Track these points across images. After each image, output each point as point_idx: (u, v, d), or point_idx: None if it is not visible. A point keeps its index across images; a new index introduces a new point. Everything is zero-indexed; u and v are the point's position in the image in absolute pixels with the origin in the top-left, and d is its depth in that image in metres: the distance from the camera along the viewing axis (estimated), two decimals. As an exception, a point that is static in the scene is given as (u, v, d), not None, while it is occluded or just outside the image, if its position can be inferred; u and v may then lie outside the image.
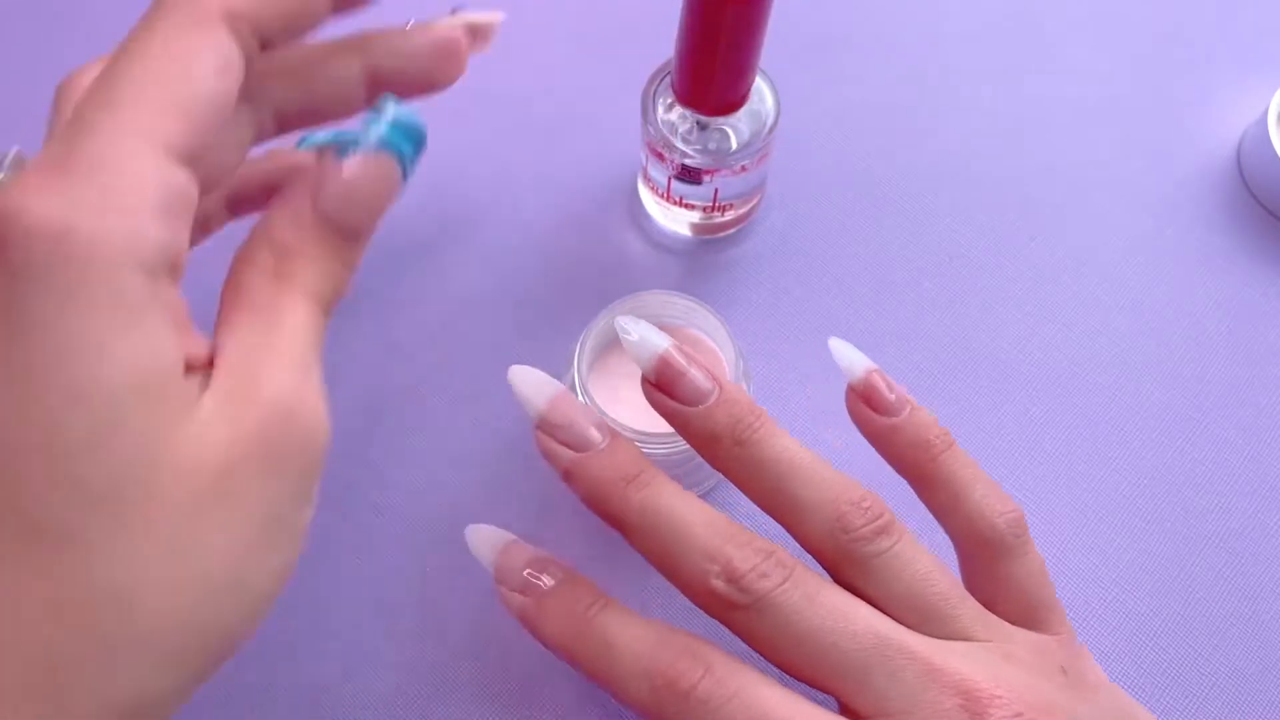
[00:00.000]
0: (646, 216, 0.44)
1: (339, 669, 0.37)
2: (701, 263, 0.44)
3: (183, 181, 0.23)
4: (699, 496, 0.29)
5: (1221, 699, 0.37)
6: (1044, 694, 0.27)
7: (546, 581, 0.29)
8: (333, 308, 0.26)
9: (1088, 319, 0.43)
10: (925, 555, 0.29)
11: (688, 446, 0.35)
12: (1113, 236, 0.45)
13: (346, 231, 0.25)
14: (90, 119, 0.22)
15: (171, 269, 0.22)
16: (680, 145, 0.39)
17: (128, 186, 0.22)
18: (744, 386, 0.35)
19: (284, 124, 0.28)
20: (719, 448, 0.29)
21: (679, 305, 0.37)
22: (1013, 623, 0.29)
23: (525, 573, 0.29)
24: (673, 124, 0.40)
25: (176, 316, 0.23)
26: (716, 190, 0.40)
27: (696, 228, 0.44)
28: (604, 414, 0.32)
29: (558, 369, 0.36)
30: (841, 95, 0.47)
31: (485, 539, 0.30)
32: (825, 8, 0.49)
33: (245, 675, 0.36)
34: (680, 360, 0.29)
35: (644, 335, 0.30)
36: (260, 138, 0.28)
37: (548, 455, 0.30)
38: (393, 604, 0.38)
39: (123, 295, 0.21)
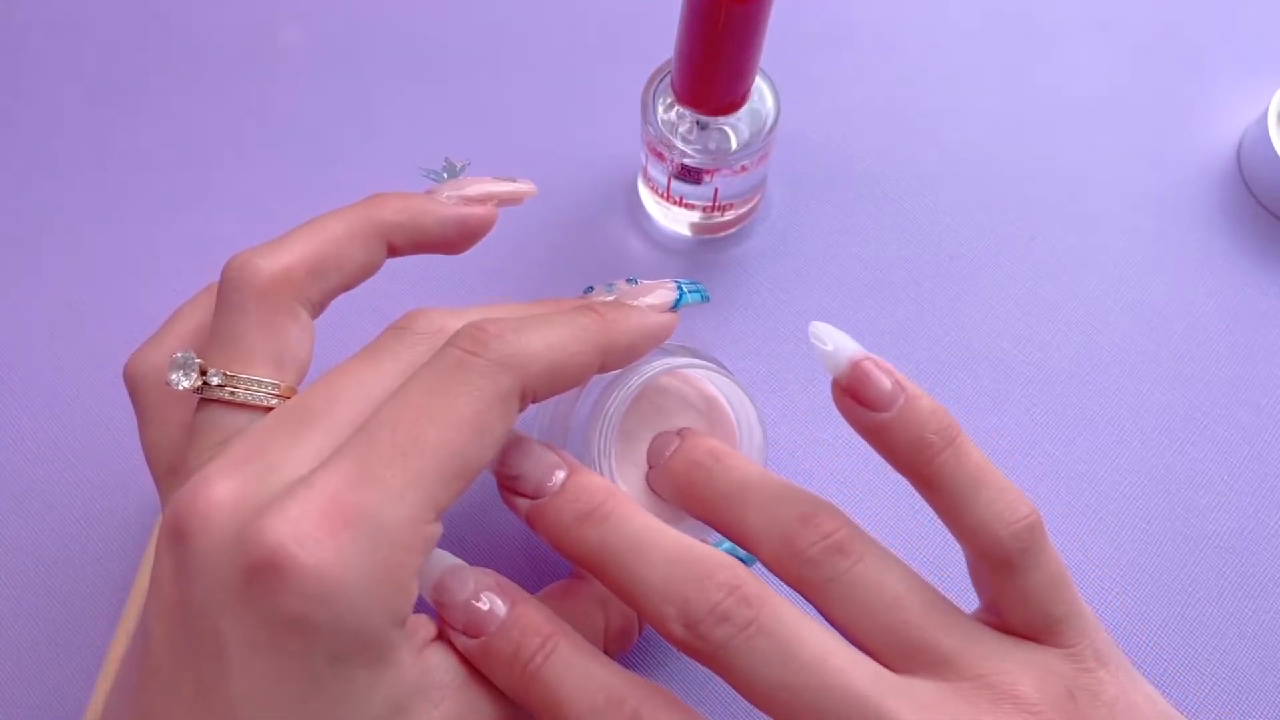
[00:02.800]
0: (646, 216, 0.44)
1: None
2: (701, 263, 0.44)
3: (437, 535, 0.25)
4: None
5: (1221, 699, 0.37)
6: None
7: (492, 615, 0.26)
8: None
9: (1088, 319, 0.43)
10: (894, 574, 0.26)
11: None
12: (1113, 236, 0.45)
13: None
14: (383, 474, 0.24)
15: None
16: (680, 145, 0.39)
17: (404, 556, 0.24)
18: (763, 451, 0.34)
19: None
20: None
21: (702, 370, 0.33)
22: (1023, 635, 0.27)
23: (467, 603, 0.26)
24: (673, 124, 0.40)
25: (413, 637, 0.25)
26: (716, 190, 0.40)
27: (696, 228, 0.44)
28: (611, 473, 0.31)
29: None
30: (841, 95, 0.47)
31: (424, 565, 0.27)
32: (825, 8, 0.49)
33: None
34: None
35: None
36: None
37: (510, 507, 0.28)
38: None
39: (384, 649, 0.24)
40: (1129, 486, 0.40)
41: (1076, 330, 0.43)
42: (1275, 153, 0.43)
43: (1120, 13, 0.50)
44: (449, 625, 0.26)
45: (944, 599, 0.26)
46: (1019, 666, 0.26)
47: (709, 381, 0.35)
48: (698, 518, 0.28)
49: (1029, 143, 0.47)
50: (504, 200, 0.31)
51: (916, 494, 0.40)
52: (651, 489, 0.32)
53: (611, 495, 0.26)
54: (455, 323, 0.27)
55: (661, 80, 0.39)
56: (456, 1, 0.49)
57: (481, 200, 0.31)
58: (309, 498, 0.23)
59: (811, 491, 0.27)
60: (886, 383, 0.27)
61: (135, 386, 0.29)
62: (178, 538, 0.24)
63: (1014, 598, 0.27)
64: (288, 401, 0.27)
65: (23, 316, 0.42)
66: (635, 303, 0.30)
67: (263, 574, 0.23)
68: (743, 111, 0.39)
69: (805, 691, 0.23)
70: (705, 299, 0.33)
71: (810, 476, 0.40)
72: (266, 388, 0.27)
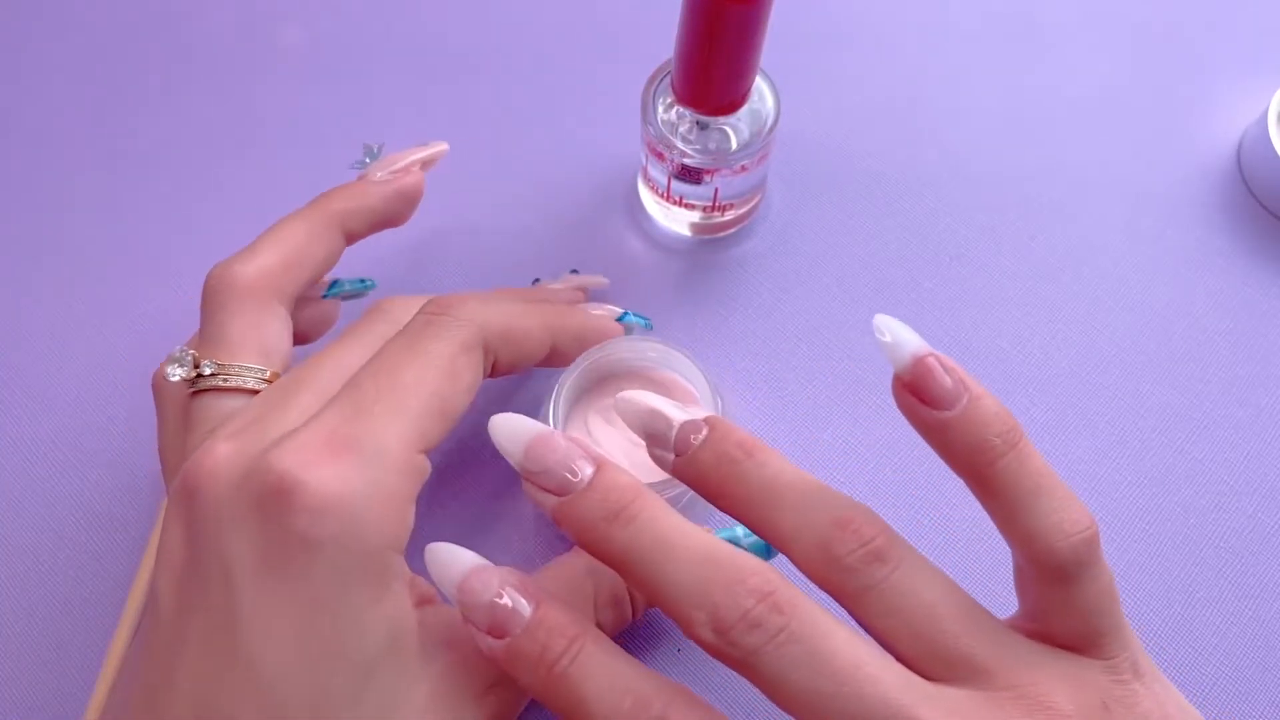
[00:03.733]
0: (646, 216, 0.44)
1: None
2: (701, 263, 0.44)
3: (427, 469, 0.28)
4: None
5: (1221, 699, 0.37)
6: None
7: (516, 616, 0.25)
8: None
9: (1088, 319, 0.43)
10: (930, 582, 0.25)
11: (679, 490, 0.35)
12: (1113, 236, 0.45)
13: None
14: (372, 409, 0.27)
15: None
16: (680, 145, 0.39)
17: (399, 481, 0.27)
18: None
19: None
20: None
21: (653, 350, 0.37)
22: (1063, 645, 0.26)
23: (491, 604, 0.26)
24: (673, 124, 0.40)
25: (408, 578, 0.28)
26: (716, 190, 0.40)
27: (696, 228, 0.44)
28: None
29: (556, 370, 0.36)
30: (841, 95, 0.47)
31: (446, 565, 0.27)
32: (825, 8, 0.49)
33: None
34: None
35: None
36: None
37: (535, 502, 0.28)
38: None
39: (384, 573, 0.26)
40: (1129, 486, 0.40)
41: (1076, 330, 0.43)
42: (1275, 153, 0.43)
43: (1120, 13, 0.50)
44: (473, 625, 0.26)
45: (980, 607, 0.26)
46: (1055, 678, 0.25)
47: (664, 370, 0.38)
48: (726, 513, 0.28)
49: (1029, 143, 0.47)
50: (425, 164, 0.37)
51: (918, 495, 0.40)
52: (678, 479, 0.32)
53: (640, 495, 0.26)
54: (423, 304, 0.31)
55: (661, 80, 0.39)
56: (456, 2, 0.49)
57: (407, 169, 0.36)
58: (309, 431, 0.26)
59: (845, 494, 0.27)
60: (949, 381, 0.26)
61: (159, 393, 0.32)
62: (188, 494, 0.27)
63: (1061, 609, 0.26)
64: (276, 381, 0.30)
65: (23, 316, 0.42)
66: (584, 308, 0.37)
67: (271, 498, 0.25)
68: (743, 111, 0.39)
69: (836, 699, 0.23)
70: (648, 326, 0.39)
71: (810, 476, 0.40)
72: (255, 373, 0.30)
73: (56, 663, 0.37)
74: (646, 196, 0.44)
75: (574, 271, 0.41)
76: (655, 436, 0.28)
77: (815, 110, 0.47)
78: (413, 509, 0.27)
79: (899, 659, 0.25)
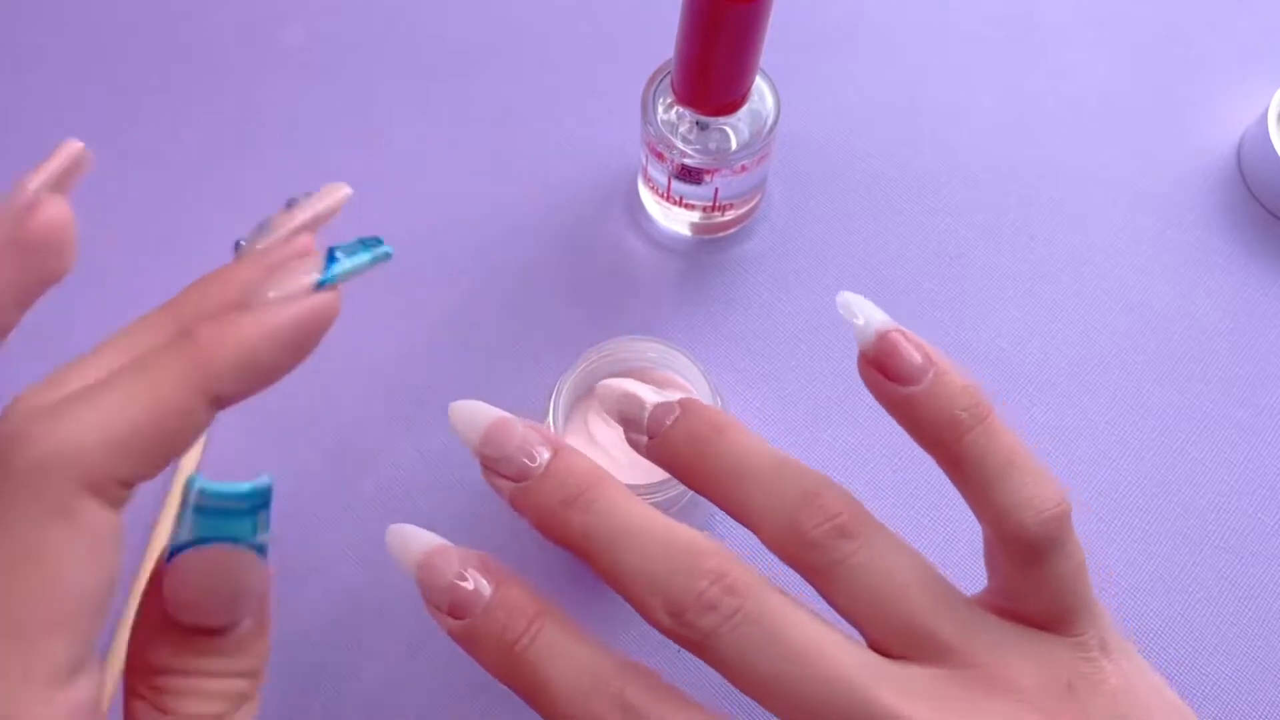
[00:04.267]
0: (646, 216, 0.44)
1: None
2: (701, 263, 0.44)
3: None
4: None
5: (1221, 699, 0.37)
6: None
7: (477, 596, 0.24)
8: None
9: (1088, 319, 0.43)
10: (898, 560, 0.25)
11: (677, 492, 0.34)
12: (1113, 236, 0.45)
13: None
14: None
15: None
16: (680, 145, 0.39)
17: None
18: None
19: None
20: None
21: (653, 350, 0.36)
22: (1033, 624, 0.26)
23: (452, 584, 0.25)
24: (673, 124, 0.40)
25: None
26: (717, 190, 0.40)
27: (696, 228, 0.44)
28: None
29: (556, 370, 0.36)
30: (841, 95, 0.47)
31: (406, 545, 0.25)
32: (825, 8, 0.49)
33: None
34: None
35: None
36: None
37: (493, 488, 0.27)
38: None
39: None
40: (1129, 486, 0.40)
41: (1076, 330, 0.43)
42: (1275, 153, 0.43)
43: (1120, 13, 0.50)
44: (433, 607, 0.25)
45: (949, 585, 0.26)
46: (1020, 656, 0.25)
47: (663, 369, 0.37)
48: (698, 493, 0.27)
49: (1029, 143, 0.47)
50: (322, 218, 0.24)
51: (918, 495, 0.40)
52: (652, 461, 0.32)
53: (599, 479, 0.26)
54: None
55: (661, 80, 0.39)
56: (457, 2, 0.49)
57: (299, 230, 0.24)
58: None
59: (816, 470, 0.26)
60: (916, 355, 0.26)
61: None
62: None
63: (1031, 586, 0.26)
64: None
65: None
66: (269, 294, 0.21)
67: None
68: (743, 111, 0.39)
69: (793, 679, 0.23)
70: (375, 257, 0.23)
71: (810, 476, 0.40)
72: None
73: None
74: (646, 196, 0.44)
75: (291, 202, 0.25)
76: (630, 420, 0.28)
77: (815, 110, 0.47)
78: None
79: (867, 638, 0.25)
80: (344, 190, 0.24)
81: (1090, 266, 0.44)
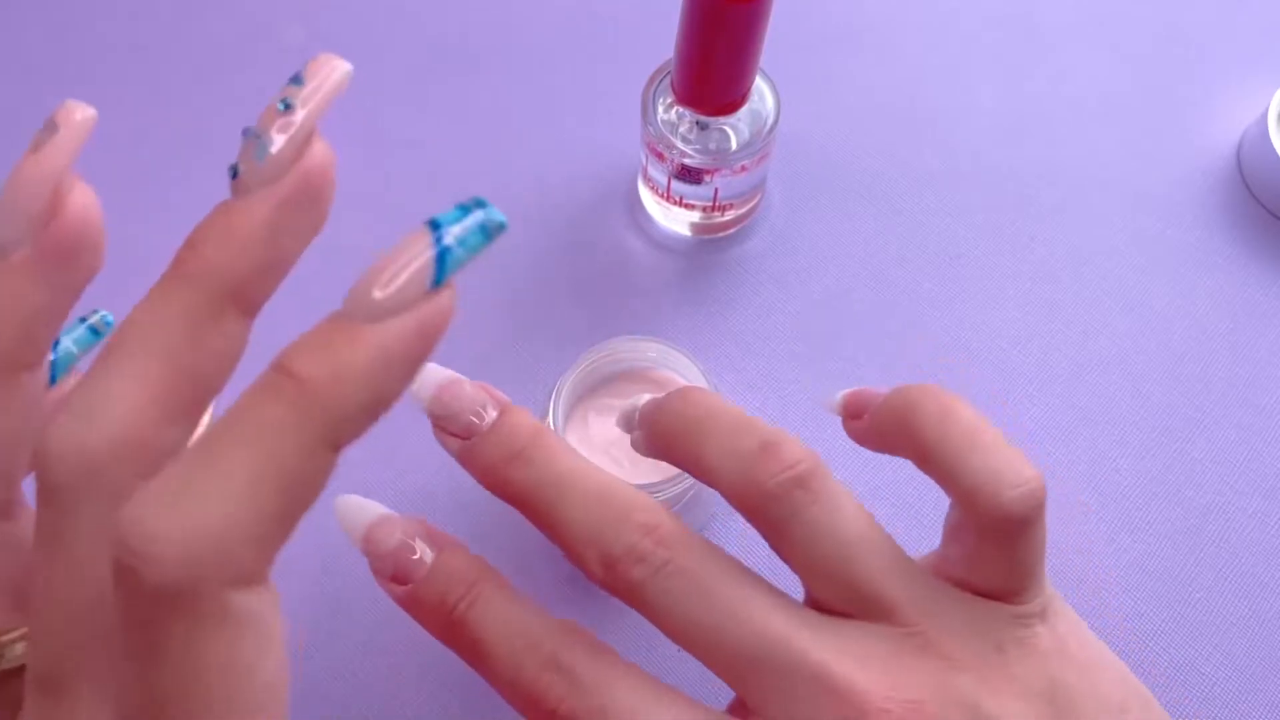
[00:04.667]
0: (646, 216, 0.44)
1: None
2: (701, 263, 0.44)
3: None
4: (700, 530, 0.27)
5: (1221, 699, 0.37)
6: (952, 691, 0.24)
7: (419, 563, 0.25)
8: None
9: (1088, 319, 0.43)
10: (851, 520, 0.25)
11: (678, 491, 0.35)
12: (1113, 236, 0.45)
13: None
14: None
15: None
16: (680, 145, 0.39)
17: None
18: None
19: None
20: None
21: (653, 350, 0.37)
22: (982, 594, 0.26)
23: (395, 551, 0.25)
24: (673, 124, 0.40)
25: None
26: (717, 190, 0.40)
27: (696, 228, 0.44)
28: None
29: (556, 370, 0.36)
30: (841, 95, 0.47)
31: (352, 516, 0.26)
32: (825, 8, 0.49)
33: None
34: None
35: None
36: None
37: (442, 446, 0.28)
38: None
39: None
40: (1129, 486, 0.40)
41: (1076, 330, 0.43)
42: (1275, 153, 0.43)
43: (1119, 13, 0.50)
44: (379, 574, 0.26)
45: (897, 547, 0.26)
46: (958, 621, 0.26)
47: (663, 369, 0.37)
48: (660, 457, 0.28)
49: (1029, 143, 0.47)
50: (321, 110, 0.21)
51: (918, 495, 0.40)
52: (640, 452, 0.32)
53: (540, 435, 0.26)
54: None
55: (661, 80, 0.39)
56: (457, 2, 0.49)
57: (304, 140, 0.21)
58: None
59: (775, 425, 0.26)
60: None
61: None
62: None
63: (992, 560, 0.26)
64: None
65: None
66: (375, 295, 0.18)
67: None
68: (743, 111, 0.39)
69: (720, 629, 0.24)
70: (488, 232, 0.19)
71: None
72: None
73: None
74: (646, 196, 0.44)
75: (296, 82, 0.20)
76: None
77: (815, 110, 0.47)
78: None
79: (813, 595, 0.26)
80: (340, 67, 0.21)
81: (1090, 266, 0.44)
